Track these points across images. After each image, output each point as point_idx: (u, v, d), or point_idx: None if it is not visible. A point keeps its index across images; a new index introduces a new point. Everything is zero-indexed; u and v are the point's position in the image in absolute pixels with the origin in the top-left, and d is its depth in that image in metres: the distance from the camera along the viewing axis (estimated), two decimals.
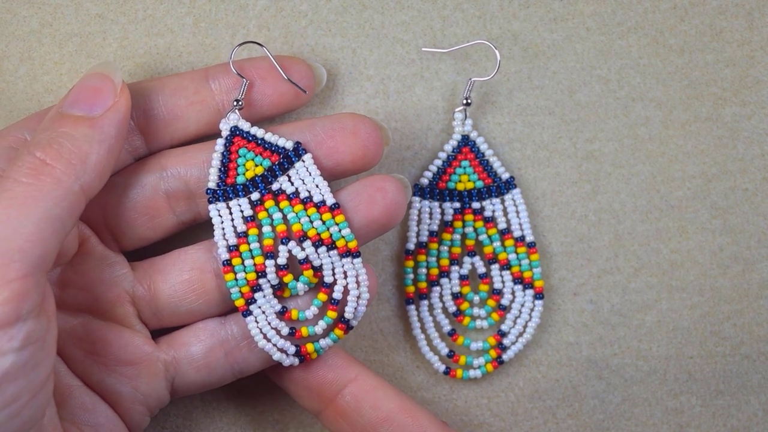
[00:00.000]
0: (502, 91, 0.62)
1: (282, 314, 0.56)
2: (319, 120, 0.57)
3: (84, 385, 0.54)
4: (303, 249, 0.56)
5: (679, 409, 0.63)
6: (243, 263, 0.55)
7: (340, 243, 0.55)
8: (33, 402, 0.46)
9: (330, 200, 0.55)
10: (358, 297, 0.56)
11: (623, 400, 0.63)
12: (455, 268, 0.62)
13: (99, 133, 0.51)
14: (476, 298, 0.62)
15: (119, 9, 0.60)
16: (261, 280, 0.55)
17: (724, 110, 0.63)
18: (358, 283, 0.56)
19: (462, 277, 0.62)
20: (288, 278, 0.56)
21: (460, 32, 0.61)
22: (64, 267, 0.54)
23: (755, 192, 0.63)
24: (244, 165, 0.56)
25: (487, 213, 0.62)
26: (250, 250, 0.55)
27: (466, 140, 0.61)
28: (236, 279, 0.55)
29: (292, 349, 0.56)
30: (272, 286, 0.56)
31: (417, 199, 0.61)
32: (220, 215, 0.56)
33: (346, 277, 0.56)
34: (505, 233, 0.62)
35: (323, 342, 0.56)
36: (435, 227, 0.62)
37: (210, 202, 0.56)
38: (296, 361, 0.56)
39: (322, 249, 0.56)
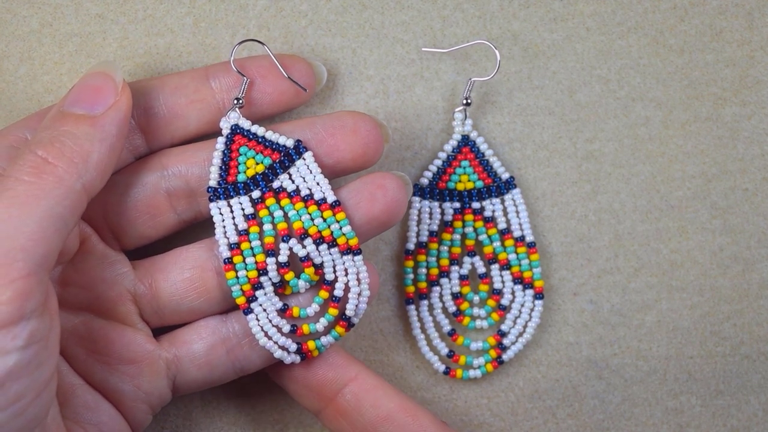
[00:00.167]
0: (502, 91, 0.62)
1: (283, 312, 0.56)
2: (319, 118, 0.57)
3: (86, 384, 0.54)
4: (304, 246, 0.56)
5: (679, 409, 0.63)
6: (244, 261, 0.55)
7: (341, 240, 0.55)
8: (37, 401, 0.46)
9: (331, 198, 0.55)
10: (359, 294, 0.56)
11: (623, 400, 0.63)
12: (455, 268, 0.62)
13: (100, 132, 0.51)
14: (476, 298, 0.62)
15: (119, 9, 0.60)
16: (262, 278, 0.56)
17: (724, 110, 0.63)
18: (359, 280, 0.56)
19: (462, 277, 0.62)
20: (289, 276, 0.56)
21: (460, 32, 0.61)
22: (65, 266, 0.54)
23: (755, 192, 0.63)
24: (244, 163, 0.56)
25: (487, 213, 0.62)
26: (251, 248, 0.56)
27: (466, 140, 0.61)
28: (237, 277, 0.55)
29: (293, 347, 0.56)
30: (273, 284, 0.56)
31: (417, 199, 0.61)
32: (221, 213, 0.56)
33: (347, 274, 0.56)
34: (505, 233, 0.62)
35: (324, 339, 0.56)
36: (435, 227, 0.62)
37: (211, 201, 0.56)
38: (297, 358, 0.56)
39: (323, 246, 0.56)
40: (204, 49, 0.61)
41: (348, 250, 0.56)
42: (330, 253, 0.56)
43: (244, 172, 0.56)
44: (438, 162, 0.62)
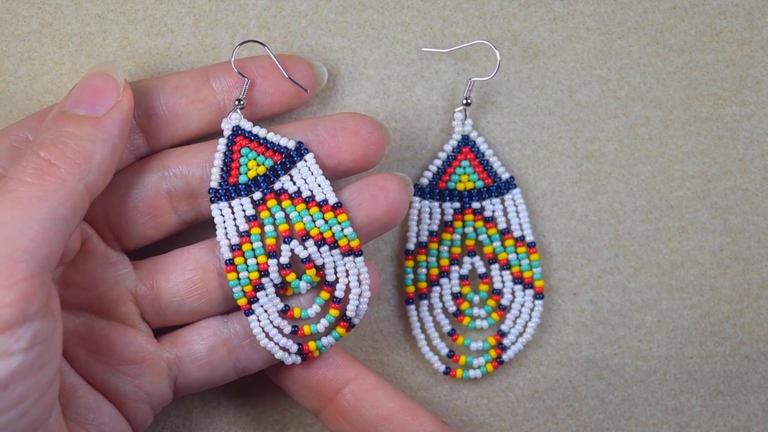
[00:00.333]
0: (502, 91, 0.62)
1: (284, 313, 0.56)
2: (320, 120, 0.57)
3: (88, 385, 0.54)
4: (305, 248, 0.56)
5: (679, 409, 0.64)
6: (246, 262, 0.55)
7: (342, 242, 0.55)
8: (40, 402, 0.46)
9: (332, 199, 0.55)
10: (360, 295, 0.56)
11: (623, 400, 0.63)
12: (455, 268, 0.62)
13: (102, 133, 0.51)
14: (476, 298, 0.62)
15: (119, 9, 0.60)
16: (263, 279, 0.56)
17: (724, 110, 0.63)
18: (359, 281, 0.56)
19: (462, 277, 0.62)
20: (291, 277, 0.56)
21: (460, 32, 0.61)
22: (67, 266, 0.54)
23: (755, 192, 0.63)
24: (246, 164, 0.56)
25: (487, 213, 0.62)
26: (253, 249, 0.56)
27: (466, 140, 0.61)
28: (239, 278, 0.55)
29: (294, 348, 0.56)
30: (275, 285, 0.56)
31: (417, 199, 0.61)
32: (222, 215, 0.56)
33: (348, 275, 0.56)
34: (505, 233, 0.62)
35: (325, 340, 0.56)
36: (435, 227, 0.62)
37: (212, 202, 0.56)
38: (298, 359, 0.56)
39: (325, 248, 0.56)
40: (204, 49, 0.61)
41: (349, 252, 0.56)
42: (331, 255, 0.56)
43: (246, 174, 0.56)
44: (438, 162, 0.61)
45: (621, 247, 0.63)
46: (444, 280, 0.62)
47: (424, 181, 0.61)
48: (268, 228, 0.56)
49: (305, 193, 0.56)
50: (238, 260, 0.55)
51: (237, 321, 0.57)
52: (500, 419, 0.63)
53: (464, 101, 0.61)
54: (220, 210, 0.56)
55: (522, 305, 0.62)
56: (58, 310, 0.48)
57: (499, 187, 0.61)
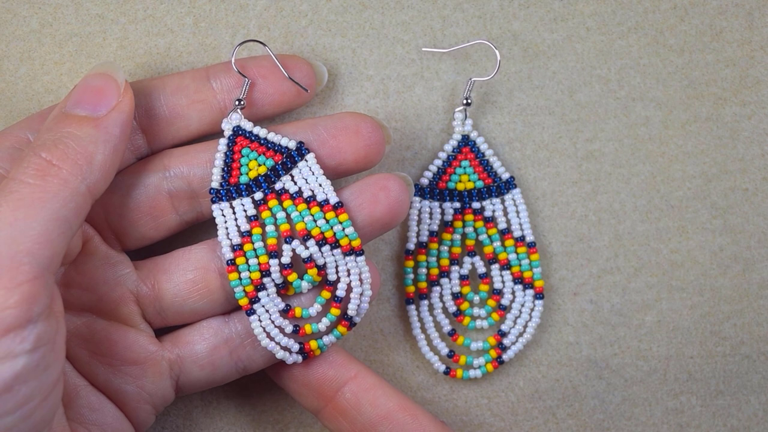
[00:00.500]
0: (502, 91, 0.62)
1: (285, 312, 0.56)
2: (321, 119, 0.57)
3: (90, 385, 0.54)
4: (307, 248, 0.56)
5: (679, 409, 0.64)
6: (247, 262, 0.55)
7: (343, 241, 0.55)
8: (45, 403, 0.46)
9: (333, 199, 0.55)
10: (362, 294, 0.56)
11: (623, 400, 0.63)
12: (455, 268, 0.62)
13: (104, 133, 0.50)
14: (476, 298, 0.62)
15: (119, 9, 0.60)
16: (265, 279, 0.56)
17: (724, 110, 0.63)
18: (361, 280, 0.56)
19: (462, 277, 0.62)
20: (292, 277, 0.56)
21: (460, 32, 0.61)
22: (68, 267, 0.54)
23: (755, 192, 0.63)
24: (247, 165, 0.56)
25: (487, 213, 0.62)
26: (254, 250, 0.56)
27: (466, 140, 0.61)
28: (240, 278, 0.55)
29: (295, 347, 0.56)
30: (276, 285, 0.56)
31: (417, 199, 0.61)
32: (223, 215, 0.56)
33: (349, 275, 0.56)
34: (505, 233, 0.62)
35: (326, 339, 0.56)
36: (435, 227, 0.62)
37: (213, 202, 0.56)
38: (300, 358, 0.56)
39: (326, 248, 0.56)
40: (204, 49, 0.60)
41: (351, 251, 0.56)
42: (333, 254, 0.56)
43: (247, 174, 0.56)
44: (438, 162, 0.62)
45: (621, 247, 0.63)
46: (444, 280, 0.62)
47: (425, 181, 0.61)
48: (270, 228, 0.56)
49: (306, 193, 0.56)
50: (240, 260, 0.55)
51: (238, 321, 0.57)
52: (500, 419, 0.63)
53: (464, 101, 0.61)
54: (221, 210, 0.56)
55: (522, 305, 0.62)
56: (61, 312, 0.48)
57: (499, 187, 0.61)
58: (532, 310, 0.62)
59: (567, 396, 0.63)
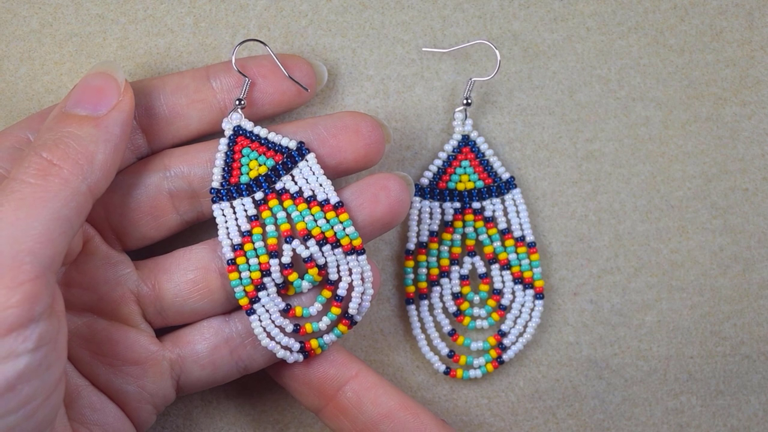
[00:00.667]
0: (502, 91, 0.62)
1: (286, 312, 0.56)
2: (321, 119, 0.57)
3: (91, 385, 0.54)
4: (307, 247, 0.56)
5: (679, 409, 0.64)
6: (247, 262, 0.55)
7: (344, 241, 0.55)
8: (47, 403, 0.46)
9: (334, 199, 0.55)
10: (363, 293, 0.56)
11: (623, 400, 0.63)
12: (455, 268, 0.62)
13: (104, 133, 0.51)
14: (476, 298, 0.62)
15: (119, 9, 0.60)
16: (265, 279, 0.56)
17: (724, 110, 0.63)
18: (363, 279, 0.56)
19: (462, 277, 0.62)
20: (293, 277, 0.56)
21: (460, 32, 0.61)
22: (69, 267, 0.54)
23: (755, 192, 0.63)
24: (247, 165, 0.56)
25: (488, 213, 0.62)
26: (255, 249, 0.56)
27: (466, 140, 0.61)
28: (240, 278, 0.55)
29: (296, 346, 0.56)
30: (276, 285, 0.56)
31: (417, 199, 0.61)
32: (224, 215, 0.56)
33: (350, 274, 0.56)
34: (505, 233, 0.62)
35: (327, 337, 0.56)
36: (435, 227, 0.62)
37: (214, 202, 0.56)
38: (300, 357, 0.56)
39: (327, 247, 0.56)
40: (204, 49, 0.60)
41: (351, 251, 0.56)
42: (333, 254, 0.56)
43: (247, 174, 0.56)
44: (438, 162, 0.62)
45: (621, 247, 0.63)
46: (444, 280, 0.62)
47: (425, 181, 0.61)
48: (270, 227, 0.56)
49: (307, 193, 0.56)
50: (240, 260, 0.55)
51: (239, 320, 0.57)
52: (500, 419, 0.63)
53: (464, 101, 0.61)
54: (222, 210, 0.56)
55: (522, 305, 0.62)
56: (63, 311, 0.48)
57: (499, 187, 0.61)
58: (532, 310, 0.62)
59: (567, 396, 0.63)
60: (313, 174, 0.56)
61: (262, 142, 0.56)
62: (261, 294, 0.55)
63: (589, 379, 0.63)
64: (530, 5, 0.62)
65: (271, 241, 0.56)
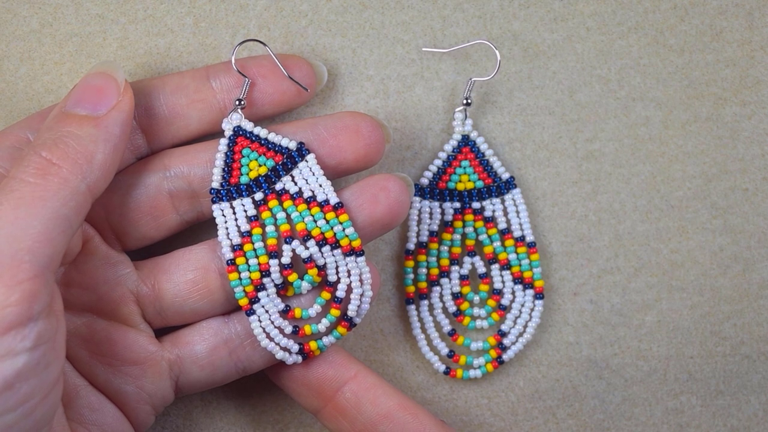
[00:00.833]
0: (502, 91, 0.62)
1: (285, 313, 0.56)
2: (321, 119, 0.57)
3: (90, 385, 0.54)
4: (307, 248, 0.56)
5: (679, 409, 0.64)
6: (247, 262, 0.55)
7: (344, 242, 0.55)
8: (45, 401, 0.46)
9: (334, 199, 0.55)
10: (362, 295, 0.56)
11: (623, 400, 0.63)
12: (455, 268, 0.62)
13: (104, 133, 0.51)
14: (476, 298, 0.62)
15: (119, 9, 0.60)
16: (265, 279, 0.56)
17: (724, 110, 0.63)
18: (361, 281, 0.56)
19: (462, 277, 0.62)
20: (292, 277, 0.56)
21: (460, 32, 0.61)
22: (68, 267, 0.54)
23: (755, 192, 0.63)
24: (247, 165, 0.56)
25: (487, 213, 0.62)
26: (254, 250, 0.56)
27: (466, 140, 0.61)
28: (240, 278, 0.55)
29: (295, 347, 0.56)
30: (276, 285, 0.56)
31: (417, 199, 0.61)
32: (223, 215, 0.56)
33: (349, 275, 0.56)
34: (505, 233, 0.62)
35: (326, 339, 0.56)
36: (435, 227, 0.62)
37: (214, 202, 0.56)
38: (299, 359, 0.56)
39: (326, 248, 0.56)
40: (204, 49, 0.60)
41: (351, 252, 0.56)
42: (333, 255, 0.56)
43: (247, 174, 0.56)
44: (438, 162, 0.62)
45: (621, 247, 0.63)
46: (444, 280, 0.62)
47: (425, 181, 0.61)
48: (270, 228, 0.56)
49: (306, 194, 0.56)
50: (240, 260, 0.55)
51: (238, 321, 0.57)
52: (500, 419, 0.63)
53: (464, 101, 0.61)
54: (222, 210, 0.56)
55: (522, 305, 0.62)
56: (61, 310, 0.48)
57: (499, 187, 0.61)
58: (532, 310, 0.62)
59: (567, 396, 0.63)
60: (313, 175, 0.56)
61: (262, 142, 0.56)
62: (261, 294, 0.55)
63: (589, 379, 0.63)
64: (530, 5, 0.62)
65: (271, 241, 0.56)
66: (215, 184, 0.56)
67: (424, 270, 0.62)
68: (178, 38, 0.61)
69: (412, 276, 0.62)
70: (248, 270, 0.55)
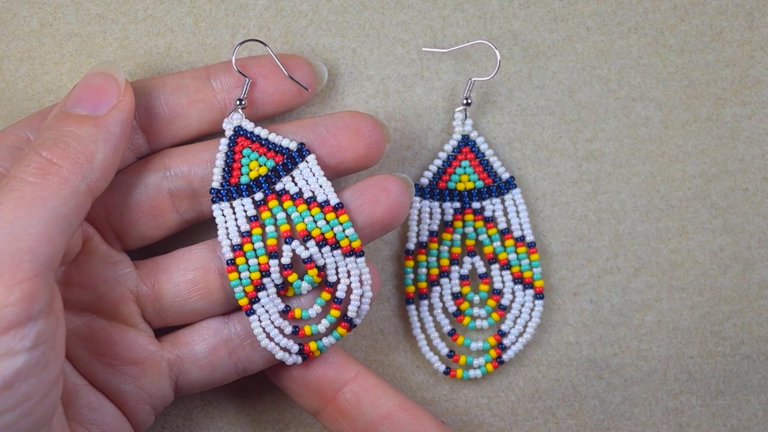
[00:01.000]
0: (502, 91, 0.62)
1: (285, 313, 0.56)
2: (321, 119, 0.57)
3: (89, 385, 0.54)
4: (307, 248, 0.56)
5: (679, 409, 0.64)
6: (247, 263, 0.55)
7: (344, 242, 0.55)
8: (45, 401, 0.46)
9: (334, 200, 0.55)
10: (362, 296, 0.56)
11: (623, 400, 0.63)
12: (455, 268, 0.62)
13: (104, 132, 0.51)
14: (476, 298, 0.62)
15: (119, 9, 0.60)
16: (265, 280, 0.56)
17: (724, 110, 0.63)
18: (361, 282, 0.56)
19: (462, 277, 0.62)
20: (292, 277, 0.56)
21: (460, 32, 0.61)
22: (68, 266, 0.54)
23: (755, 192, 0.63)
24: (248, 165, 0.56)
25: (487, 213, 0.62)
26: (254, 250, 0.55)
27: (466, 140, 0.61)
28: (240, 278, 0.55)
29: (295, 348, 0.56)
30: (276, 286, 0.56)
31: (417, 198, 0.61)
32: (223, 215, 0.56)
33: (349, 276, 0.56)
34: (505, 233, 0.62)
35: (326, 340, 0.56)
36: (435, 227, 0.62)
37: (214, 202, 0.56)
38: (299, 359, 0.56)
39: (326, 248, 0.56)
40: (204, 49, 0.60)
41: (351, 252, 0.56)
42: (333, 255, 0.56)
43: (247, 174, 0.56)
44: (438, 162, 0.61)
45: (621, 247, 0.63)
46: (444, 280, 0.62)
47: (424, 181, 0.61)
48: (270, 228, 0.56)
49: (307, 194, 0.56)
50: (240, 260, 0.55)
51: (238, 321, 0.57)
52: (500, 419, 0.63)
53: (464, 101, 0.61)
54: (222, 210, 0.56)
55: (522, 305, 0.62)
56: (61, 310, 0.48)
57: (499, 187, 0.61)
58: (532, 310, 0.62)
59: (567, 396, 0.63)
60: (313, 175, 0.56)
61: (263, 142, 0.56)
62: (261, 294, 0.55)
63: (589, 379, 0.63)
64: (530, 5, 0.62)
65: (271, 241, 0.56)
66: (215, 184, 0.56)
67: (424, 270, 0.62)
68: (178, 38, 0.61)
69: (412, 276, 0.62)
70: (248, 270, 0.55)
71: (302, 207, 0.56)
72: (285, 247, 0.56)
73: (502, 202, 0.62)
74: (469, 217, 0.62)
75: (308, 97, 0.58)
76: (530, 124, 0.62)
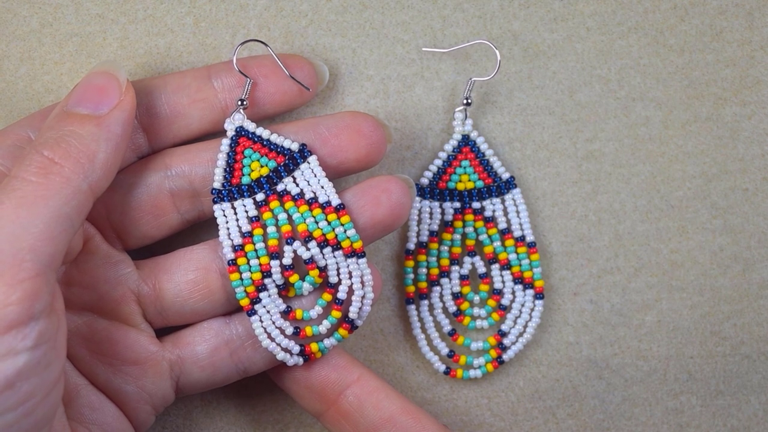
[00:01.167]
0: (502, 91, 0.62)
1: (286, 314, 0.56)
2: (322, 119, 0.57)
3: (90, 385, 0.54)
4: (308, 249, 0.56)
5: (679, 409, 0.64)
6: (248, 263, 0.55)
7: (345, 243, 0.55)
8: (46, 401, 0.46)
9: (335, 201, 0.55)
10: (363, 297, 0.56)
11: (623, 400, 0.63)
12: (455, 268, 0.62)
13: (106, 132, 0.51)
14: (476, 298, 0.62)
15: (119, 9, 0.60)
16: (266, 280, 0.55)
17: (724, 110, 0.63)
18: (362, 283, 0.56)
19: (462, 277, 0.62)
20: (294, 278, 0.56)
21: (460, 32, 0.61)
22: (69, 266, 0.54)
23: (755, 192, 0.63)
24: (249, 166, 0.56)
25: (488, 213, 0.62)
26: (255, 250, 0.55)
27: (466, 140, 0.61)
28: (241, 279, 0.55)
29: (296, 349, 0.56)
30: (277, 286, 0.56)
31: (417, 198, 0.61)
32: (225, 215, 0.56)
33: (351, 277, 0.56)
34: (505, 233, 0.62)
35: (327, 341, 0.56)
36: (435, 227, 0.62)
37: (215, 202, 0.55)
38: (300, 360, 0.56)
39: (327, 249, 0.56)
40: (204, 49, 0.60)
41: (352, 253, 0.56)
42: (334, 256, 0.56)
43: (249, 175, 0.56)
44: (438, 162, 0.62)
45: (621, 247, 0.63)
46: (444, 280, 0.62)
47: (425, 181, 0.61)
48: (271, 229, 0.56)
49: (308, 195, 0.56)
50: (241, 261, 0.55)
51: (239, 322, 0.57)
52: (500, 419, 0.63)
53: (464, 101, 0.61)
54: (223, 210, 0.56)
55: (522, 305, 0.62)
56: (62, 310, 0.48)
57: (499, 187, 0.61)
58: (532, 310, 0.62)
59: (567, 396, 0.63)
60: (315, 176, 0.56)
61: (264, 143, 0.56)
62: (262, 295, 0.55)
63: (589, 379, 0.63)
64: (530, 5, 0.62)
65: (272, 242, 0.56)
66: (217, 184, 0.56)
67: (424, 270, 0.62)
68: (178, 38, 0.60)
69: (412, 276, 0.62)
70: (249, 270, 0.55)
71: (304, 208, 0.56)
72: (286, 248, 0.56)
73: (503, 202, 0.62)
74: (470, 217, 0.62)
75: (309, 97, 0.58)
76: (530, 124, 0.62)
